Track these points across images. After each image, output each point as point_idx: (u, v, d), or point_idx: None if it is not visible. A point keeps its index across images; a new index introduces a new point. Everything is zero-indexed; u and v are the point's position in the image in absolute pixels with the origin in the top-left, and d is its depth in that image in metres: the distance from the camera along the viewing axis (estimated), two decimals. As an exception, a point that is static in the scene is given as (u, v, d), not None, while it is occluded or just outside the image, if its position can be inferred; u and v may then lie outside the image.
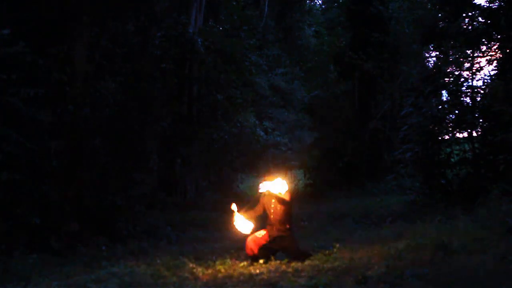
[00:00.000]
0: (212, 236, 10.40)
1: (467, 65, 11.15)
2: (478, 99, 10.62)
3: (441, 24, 12.18)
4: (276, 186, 7.02)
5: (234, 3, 19.36)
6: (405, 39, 17.60)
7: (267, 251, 6.77)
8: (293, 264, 6.34)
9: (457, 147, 10.97)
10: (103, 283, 5.95)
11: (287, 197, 6.96)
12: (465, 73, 11.10)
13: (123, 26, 12.00)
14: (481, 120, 10.55)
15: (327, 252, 6.96)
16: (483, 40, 10.93)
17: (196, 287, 5.62)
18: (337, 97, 20.21)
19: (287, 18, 32.67)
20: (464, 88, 10.89)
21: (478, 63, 11.11)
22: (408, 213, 10.05)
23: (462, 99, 10.86)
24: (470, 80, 10.96)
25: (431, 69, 12.94)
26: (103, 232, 9.23)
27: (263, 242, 6.92)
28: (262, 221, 7.22)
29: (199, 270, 6.41)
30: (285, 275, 5.73)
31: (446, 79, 11.21)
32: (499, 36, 10.78)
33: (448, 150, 10.89)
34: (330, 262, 6.18)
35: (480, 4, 11.23)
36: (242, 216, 7.20)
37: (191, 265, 6.82)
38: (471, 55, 11.21)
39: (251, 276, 5.83)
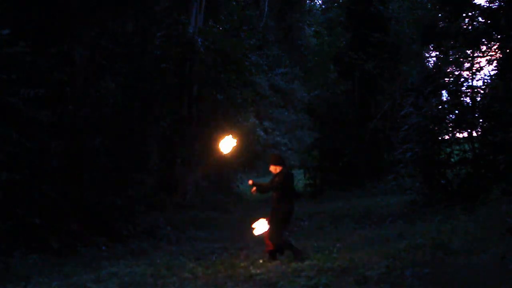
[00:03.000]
0: (212, 236, 10.41)
1: (467, 65, 11.14)
2: (478, 99, 10.61)
3: (441, 24, 12.16)
4: None
5: (234, 3, 19.35)
6: (405, 39, 17.59)
7: None
8: (293, 264, 6.34)
9: (457, 147, 10.95)
10: (103, 283, 5.95)
11: None
12: (465, 73, 11.09)
13: (123, 26, 11.99)
14: (481, 120, 10.54)
15: (327, 252, 6.96)
16: (483, 40, 10.92)
17: (196, 287, 5.62)
18: (337, 97, 20.20)
19: (287, 18, 32.69)
20: (464, 88, 10.88)
21: (478, 63, 11.10)
22: (408, 213, 10.05)
23: (462, 99, 10.85)
24: (470, 80, 10.95)
25: (431, 69, 12.95)
26: (103, 232, 9.23)
27: None
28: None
29: (199, 270, 6.41)
30: (285, 275, 5.72)
31: (446, 79, 11.20)
32: (499, 36, 10.76)
33: (448, 150, 10.87)
34: (330, 262, 6.18)
35: (480, 4, 11.22)
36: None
37: (191, 265, 6.83)
38: (471, 55, 11.19)
39: (251, 276, 5.83)
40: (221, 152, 7.06)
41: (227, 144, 6.99)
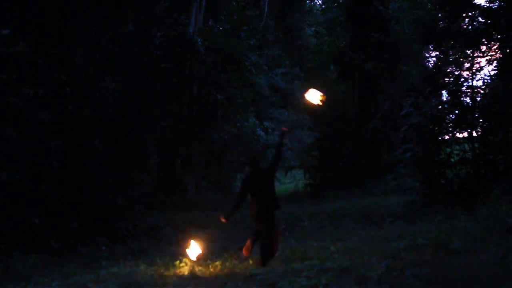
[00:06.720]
0: (212, 236, 10.39)
1: (467, 65, 11.14)
2: (478, 99, 10.60)
3: (441, 24, 12.17)
4: None
5: (234, 3, 19.35)
6: (405, 39, 17.58)
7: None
8: (293, 264, 6.33)
9: (457, 147, 10.94)
10: (103, 283, 5.95)
11: None
12: (465, 73, 11.08)
13: (123, 26, 12.01)
14: (481, 120, 10.54)
15: (327, 252, 6.96)
16: (483, 40, 10.92)
17: (196, 287, 5.62)
18: (337, 97, 20.18)
19: (287, 18, 32.68)
20: (464, 88, 10.87)
21: (478, 63, 11.10)
22: (408, 213, 10.04)
23: (462, 99, 10.84)
24: (470, 80, 10.94)
25: (431, 69, 12.94)
26: (103, 232, 9.24)
27: None
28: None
29: (199, 270, 6.41)
30: (285, 275, 5.72)
31: (446, 79, 11.19)
32: (499, 36, 10.77)
33: (448, 150, 10.87)
34: (330, 262, 6.18)
35: (480, 4, 11.22)
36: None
37: (191, 265, 6.83)
38: (471, 55, 11.19)
39: (251, 276, 5.83)
40: (310, 102, 7.14)
41: (313, 96, 7.12)
